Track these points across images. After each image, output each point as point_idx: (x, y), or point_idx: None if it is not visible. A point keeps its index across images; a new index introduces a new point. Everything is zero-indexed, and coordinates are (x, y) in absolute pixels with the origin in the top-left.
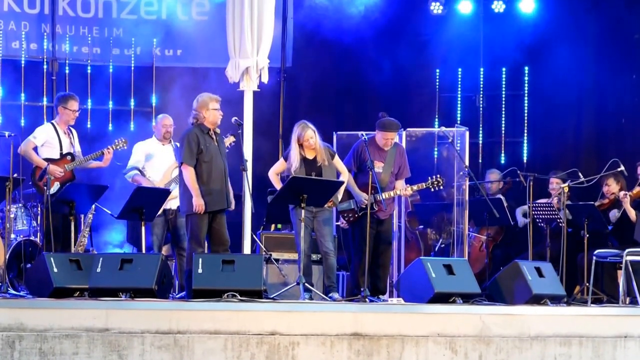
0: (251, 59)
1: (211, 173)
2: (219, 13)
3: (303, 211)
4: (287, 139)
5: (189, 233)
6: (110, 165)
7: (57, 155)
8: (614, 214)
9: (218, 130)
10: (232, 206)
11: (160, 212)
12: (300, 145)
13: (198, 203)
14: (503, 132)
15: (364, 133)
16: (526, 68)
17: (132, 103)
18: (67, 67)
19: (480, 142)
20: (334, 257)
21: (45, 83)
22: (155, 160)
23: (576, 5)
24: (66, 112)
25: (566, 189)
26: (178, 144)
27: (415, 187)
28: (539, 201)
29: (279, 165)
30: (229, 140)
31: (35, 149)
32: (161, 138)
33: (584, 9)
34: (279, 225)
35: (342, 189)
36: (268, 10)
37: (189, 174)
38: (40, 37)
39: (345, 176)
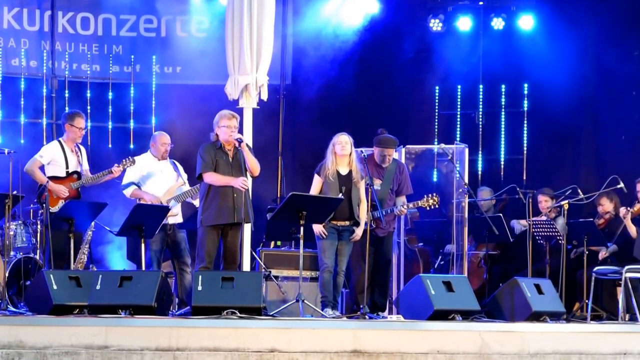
0: (250, 76)
1: (218, 187)
2: (218, 30)
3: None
4: (287, 156)
5: (197, 247)
6: (110, 182)
7: (63, 174)
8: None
9: (239, 145)
10: (249, 221)
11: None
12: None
13: (237, 184)
14: (502, 149)
15: (363, 150)
16: (525, 85)
17: (132, 120)
18: (66, 84)
19: (480, 159)
20: (343, 278)
21: (44, 100)
22: (153, 176)
23: (575, 21)
24: (72, 130)
25: (566, 206)
26: (176, 162)
27: (410, 205)
28: (538, 218)
29: (317, 184)
30: None
31: (42, 167)
32: (159, 156)
33: (583, 25)
34: (279, 242)
35: (363, 208)
36: (267, 28)
37: (213, 176)
38: (40, 54)
39: (364, 205)
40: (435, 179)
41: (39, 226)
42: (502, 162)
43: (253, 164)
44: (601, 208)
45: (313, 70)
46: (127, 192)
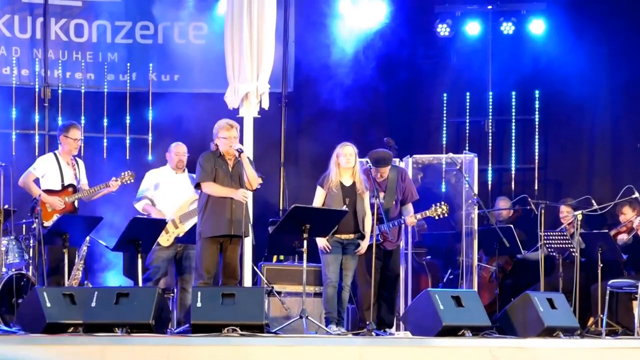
0: (251, 84)
1: (217, 197)
2: (217, 37)
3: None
4: (288, 166)
5: (195, 262)
6: (107, 195)
7: (58, 187)
8: (622, 239)
9: (239, 156)
10: (248, 235)
11: (170, 242)
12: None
13: (237, 196)
14: (513, 158)
15: (368, 160)
16: (537, 91)
17: (128, 130)
18: (59, 94)
19: (490, 168)
20: (348, 293)
21: (37, 110)
22: (166, 190)
23: (587, 26)
24: (68, 142)
25: (580, 217)
26: (195, 176)
27: (419, 216)
28: (553, 230)
29: (320, 196)
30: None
31: (38, 181)
32: (174, 167)
33: (596, 30)
34: (281, 257)
35: (368, 220)
36: (268, 34)
37: (211, 186)
38: (32, 62)
39: (368, 217)
40: (443, 190)
41: (31, 241)
42: (513, 172)
43: (251, 176)
44: (623, 217)
45: (316, 78)
46: (139, 205)
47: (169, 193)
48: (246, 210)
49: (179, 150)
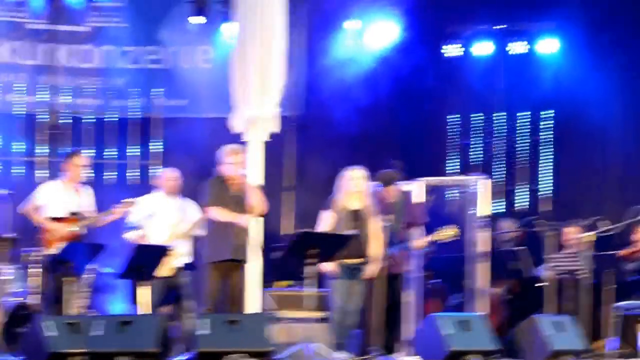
0: (257, 108)
1: (221, 222)
2: (224, 60)
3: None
4: (292, 190)
5: (199, 288)
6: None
7: (61, 214)
8: (630, 267)
9: (247, 182)
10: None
11: (164, 270)
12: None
13: (242, 222)
14: (523, 179)
15: (375, 183)
16: (547, 112)
17: (135, 156)
18: (66, 120)
19: (499, 190)
20: (354, 318)
21: (42, 137)
22: (157, 217)
23: (601, 44)
24: (71, 169)
25: (589, 239)
26: (187, 201)
27: (425, 239)
28: (561, 253)
29: (326, 221)
30: None
31: (41, 208)
32: (166, 192)
33: (610, 48)
34: (287, 282)
35: (375, 245)
36: (276, 57)
37: (217, 212)
38: (38, 89)
39: (376, 241)
40: (451, 212)
41: (35, 269)
42: (522, 193)
43: (255, 202)
44: (635, 236)
45: (326, 101)
46: (130, 235)
47: (160, 220)
48: (249, 235)
49: (169, 176)
